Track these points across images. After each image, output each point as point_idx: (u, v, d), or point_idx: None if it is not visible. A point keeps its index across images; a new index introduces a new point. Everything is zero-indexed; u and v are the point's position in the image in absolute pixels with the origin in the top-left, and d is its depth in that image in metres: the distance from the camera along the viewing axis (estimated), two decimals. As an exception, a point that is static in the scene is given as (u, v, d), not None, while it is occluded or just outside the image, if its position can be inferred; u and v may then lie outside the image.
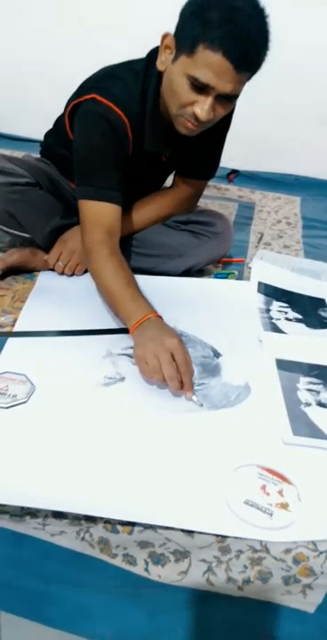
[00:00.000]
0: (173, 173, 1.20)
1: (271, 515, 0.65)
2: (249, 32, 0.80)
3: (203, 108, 0.85)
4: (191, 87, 0.84)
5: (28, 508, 0.64)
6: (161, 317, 0.89)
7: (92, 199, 0.98)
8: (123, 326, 0.94)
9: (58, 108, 1.11)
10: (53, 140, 1.17)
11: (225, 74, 0.82)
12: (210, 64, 0.81)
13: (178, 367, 0.80)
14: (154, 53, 0.94)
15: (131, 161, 1.01)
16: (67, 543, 0.63)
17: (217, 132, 0.95)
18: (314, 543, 0.64)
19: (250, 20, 0.80)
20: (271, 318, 1.07)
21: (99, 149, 0.97)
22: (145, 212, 1.15)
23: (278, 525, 0.64)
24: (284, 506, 0.66)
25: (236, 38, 0.79)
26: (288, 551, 0.63)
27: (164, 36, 0.87)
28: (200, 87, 0.84)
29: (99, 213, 0.98)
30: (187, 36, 0.82)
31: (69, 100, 1.04)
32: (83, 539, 0.63)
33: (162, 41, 0.88)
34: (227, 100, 0.87)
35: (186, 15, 0.84)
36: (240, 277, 1.24)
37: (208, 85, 0.83)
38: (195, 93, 0.85)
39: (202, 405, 0.81)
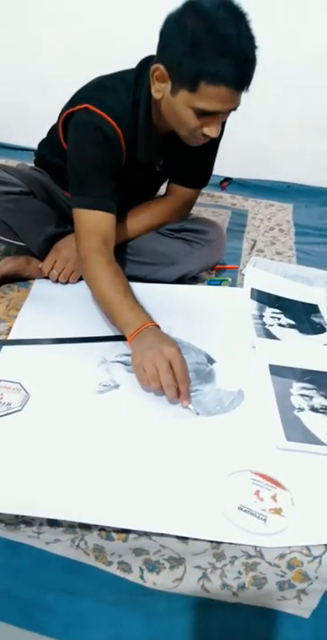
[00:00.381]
0: (167, 182, 1.21)
1: (265, 520, 0.65)
2: (245, 56, 0.83)
3: (212, 129, 0.90)
4: (198, 115, 0.88)
5: (23, 517, 0.64)
6: (158, 326, 0.89)
7: (87, 208, 0.98)
8: (118, 334, 0.94)
9: (53, 117, 1.12)
10: (47, 150, 1.18)
11: (229, 98, 0.85)
12: (214, 96, 0.84)
13: (175, 375, 0.81)
14: (145, 64, 0.96)
15: (124, 170, 1.01)
16: (62, 551, 0.62)
17: (210, 141, 0.97)
18: (308, 548, 0.64)
19: (240, 41, 0.81)
20: (264, 324, 1.08)
21: (93, 159, 0.97)
22: (139, 220, 1.16)
23: (272, 531, 0.64)
24: (278, 511, 0.66)
25: (235, 67, 0.82)
26: (282, 556, 0.63)
27: (154, 69, 0.89)
28: (206, 113, 0.87)
29: (94, 222, 0.98)
30: (184, 73, 0.84)
31: (62, 110, 1.05)
32: (77, 546, 0.63)
33: (152, 73, 0.90)
34: (230, 111, 0.91)
35: (176, 52, 0.84)
36: (233, 284, 1.24)
37: (215, 112, 0.87)
38: (203, 118, 0.88)
39: (198, 414, 0.82)
